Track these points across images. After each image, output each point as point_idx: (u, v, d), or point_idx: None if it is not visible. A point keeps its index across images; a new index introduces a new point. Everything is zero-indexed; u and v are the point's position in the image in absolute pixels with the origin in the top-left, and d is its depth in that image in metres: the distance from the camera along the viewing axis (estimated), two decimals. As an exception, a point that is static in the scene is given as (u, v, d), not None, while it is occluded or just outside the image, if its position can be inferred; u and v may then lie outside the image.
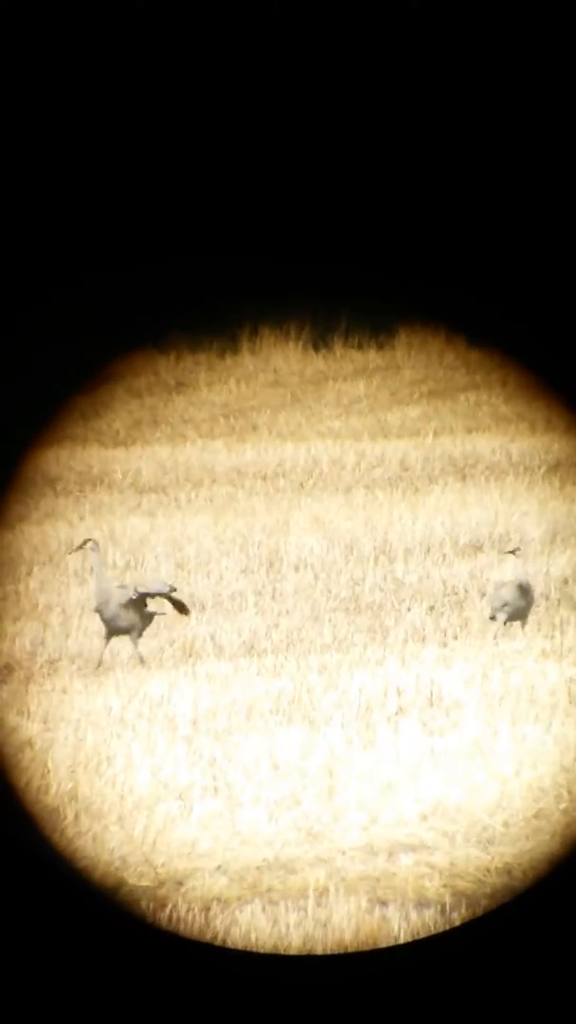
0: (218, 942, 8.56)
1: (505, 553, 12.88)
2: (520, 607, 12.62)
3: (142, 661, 12.36)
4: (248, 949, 8.49)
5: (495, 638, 12.63)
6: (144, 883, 9.05)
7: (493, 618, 12.62)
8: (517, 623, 12.74)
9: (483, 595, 13.66)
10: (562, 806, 9.51)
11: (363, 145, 12.60)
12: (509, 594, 12.57)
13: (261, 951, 8.48)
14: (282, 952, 8.51)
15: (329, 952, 8.52)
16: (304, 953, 8.48)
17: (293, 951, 8.57)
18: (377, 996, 8.28)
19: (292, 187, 12.83)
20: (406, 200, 12.76)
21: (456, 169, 12.53)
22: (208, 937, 8.66)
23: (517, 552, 12.75)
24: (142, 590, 12.37)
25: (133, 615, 12.40)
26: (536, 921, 8.44)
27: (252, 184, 12.97)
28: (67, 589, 14.30)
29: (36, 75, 12.08)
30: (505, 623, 12.66)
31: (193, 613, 13.46)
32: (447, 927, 8.66)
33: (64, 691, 11.75)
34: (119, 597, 12.30)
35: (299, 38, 11.81)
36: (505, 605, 12.54)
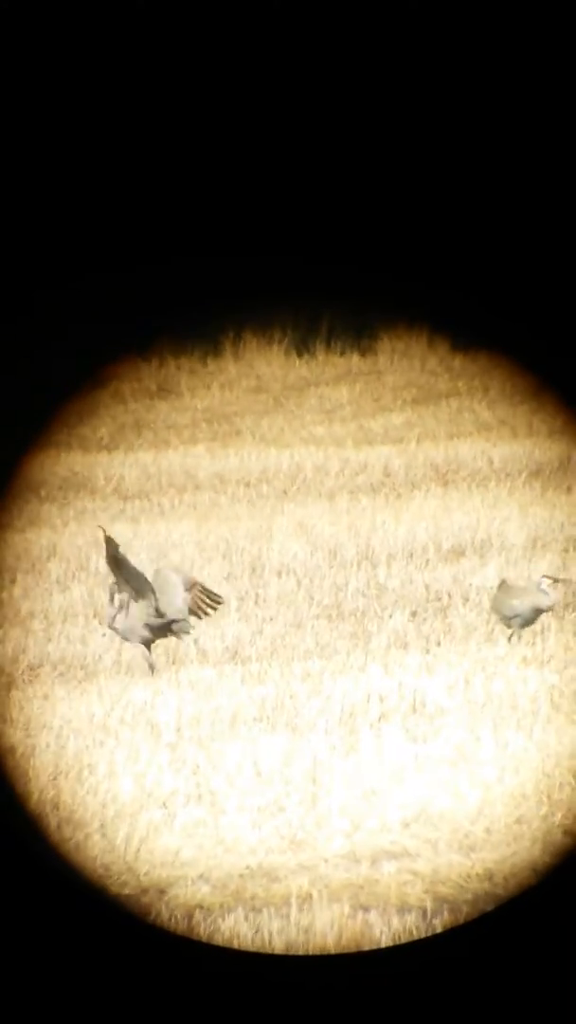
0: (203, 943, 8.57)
1: (544, 578, 12.67)
2: (532, 620, 12.57)
3: (152, 669, 12.23)
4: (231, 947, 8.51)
5: (478, 645, 12.67)
6: (126, 892, 9.06)
7: (508, 626, 12.53)
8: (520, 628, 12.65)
9: (466, 600, 13.69)
10: (543, 812, 9.55)
11: (354, 145, 12.62)
12: (525, 609, 12.46)
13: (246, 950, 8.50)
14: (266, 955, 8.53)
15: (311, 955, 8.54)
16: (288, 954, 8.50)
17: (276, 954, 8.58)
18: (360, 1000, 8.31)
19: (276, 185, 12.84)
20: (393, 199, 12.79)
21: (448, 170, 12.56)
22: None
23: (560, 583, 12.62)
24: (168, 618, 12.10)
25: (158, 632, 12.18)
26: (519, 927, 8.47)
27: (235, 184, 12.99)
28: (50, 596, 14.30)
29: (32, 74, 12.08)
30: (513, 630, 12.56)
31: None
32: (429, 932, 8.69)
33: (46, 697, 11.75)
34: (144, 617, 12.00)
35: (298, 37, 11.82)
36: (516, 617, 12.46)
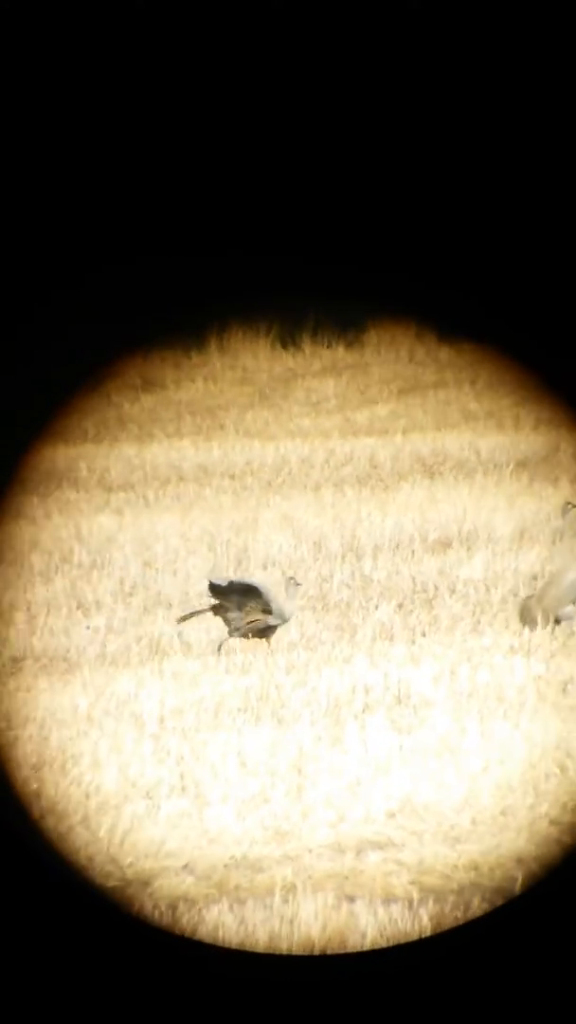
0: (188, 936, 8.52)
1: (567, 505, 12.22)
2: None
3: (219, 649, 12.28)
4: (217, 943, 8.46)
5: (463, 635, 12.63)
6: (111, 883, 9.00)
7: (558, 622, 12.27)
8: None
9: (452, 591, 13.64)
10: (528, 802, 9.51)
11: (341, 139, 12.57)
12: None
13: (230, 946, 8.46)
14: (248, 950, 8.49)
15: (295, 950, 8.49)
16: (271, 951, 8.46)
17: (260, 949, 8.54)
18: (350, 997, 8.27)
19: (263, 181, 12.79)
20: (379, 192, 12.75)
21: (435, 163, 12.52)
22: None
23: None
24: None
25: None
26: (515, 925, 8.44)
27: (221, 178, 12.93)
28: (32, 587, 14.24)
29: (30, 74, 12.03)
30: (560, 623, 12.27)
31: (160, 611, 13.43)
32: (415, 923, 8.65)
33: (28, 690, 11.69)
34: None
35: (298, 36, 11.79)
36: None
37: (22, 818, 9.29)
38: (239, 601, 12.19)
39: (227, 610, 12.24)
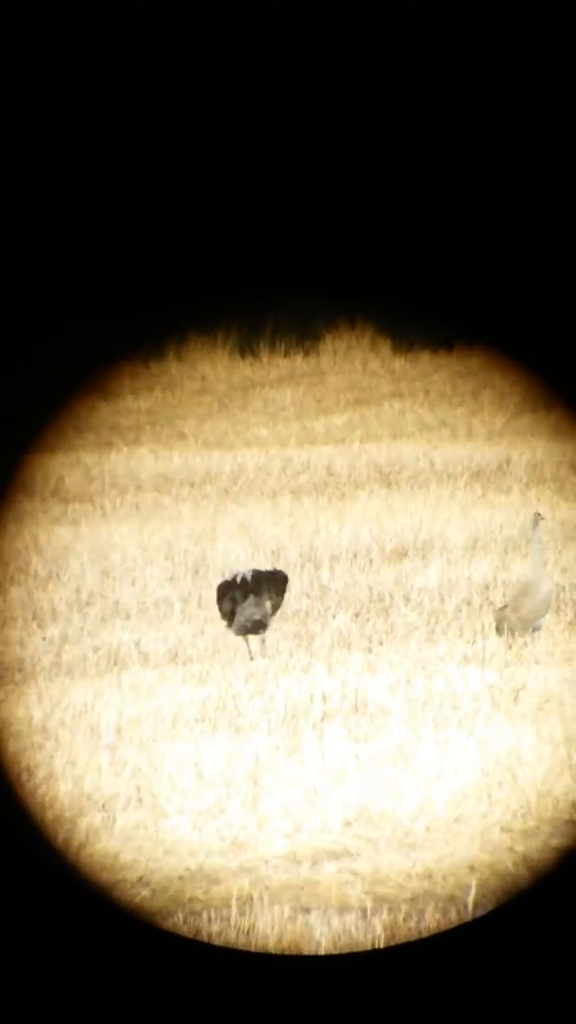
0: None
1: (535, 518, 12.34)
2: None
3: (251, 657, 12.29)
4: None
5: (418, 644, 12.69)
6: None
7: (535, 631, 12.35)
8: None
9: (407, 600, 13.71)
10: (482, 810, 9.57)
11: (340, 143, 12.57)
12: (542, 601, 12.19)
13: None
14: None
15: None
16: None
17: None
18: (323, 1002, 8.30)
19: (238, 182, 12.78)
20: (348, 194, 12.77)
21: (433, 171, 12.55)
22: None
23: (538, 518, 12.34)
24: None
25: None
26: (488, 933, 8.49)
27: (193, 183, 12.91)
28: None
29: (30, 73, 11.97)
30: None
31: (117, 621, 13.43)
32: (367, 932, 8.69)
33: (-17, 701, 11.67)
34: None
35: (298, 36, 11.77)
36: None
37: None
38: (260, 592, 12.19)
39: (237, 603, 12.21)
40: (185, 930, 8.77)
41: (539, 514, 12.46)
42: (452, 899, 8.90)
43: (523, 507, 16.24)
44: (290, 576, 14.45)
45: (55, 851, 9.21)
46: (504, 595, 13.41)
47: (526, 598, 12.30)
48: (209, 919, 8.82)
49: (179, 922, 8.82)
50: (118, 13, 11.68)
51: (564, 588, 13.74)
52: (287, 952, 8.60)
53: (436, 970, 8.29)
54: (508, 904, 8.76)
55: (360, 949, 8.50)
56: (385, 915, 8.80)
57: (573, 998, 8.23)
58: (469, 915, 8.73)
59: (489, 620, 12.93)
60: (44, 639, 13.02)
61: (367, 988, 8.27)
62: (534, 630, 12.33)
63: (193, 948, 8.49)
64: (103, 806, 9.71)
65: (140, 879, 9.11)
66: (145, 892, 9.04)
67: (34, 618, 13.61)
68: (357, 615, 13.45)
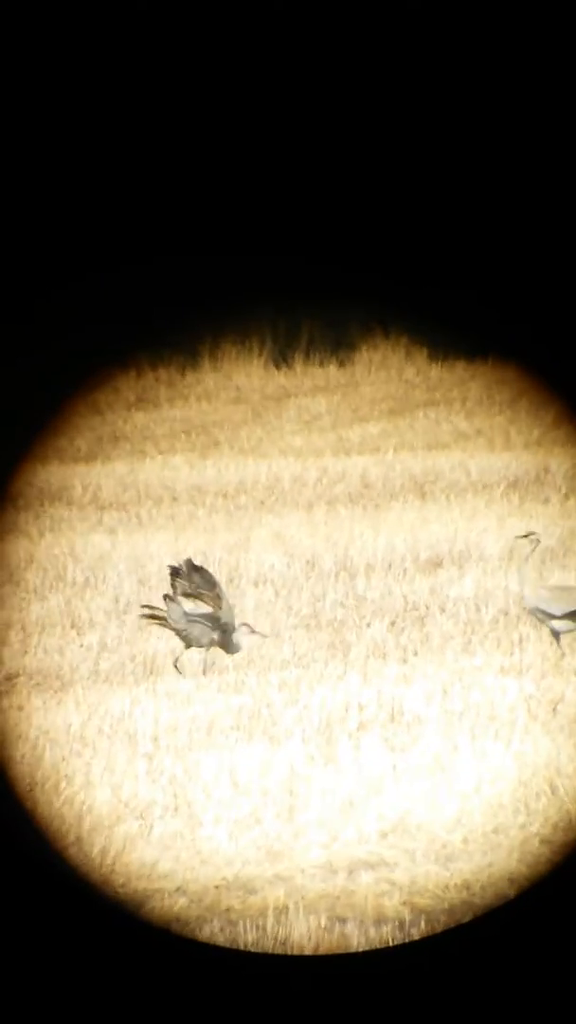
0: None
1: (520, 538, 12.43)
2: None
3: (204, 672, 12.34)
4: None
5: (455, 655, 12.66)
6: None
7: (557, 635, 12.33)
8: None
9: (443, 610, 13.69)
10: (519, 821, 9.54)
11: (341, 146, 12.58)
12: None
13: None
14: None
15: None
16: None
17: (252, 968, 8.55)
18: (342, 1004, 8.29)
19: (255, 187, 12.79)
20: (373, 203, 12.76)
21: (437, 175, 12.55)
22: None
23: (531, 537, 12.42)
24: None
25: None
26: (497, 937, 8.46)
27: (210, 189, 12.93)
28: (27, 606, 14.26)
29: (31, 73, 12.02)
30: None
31: (154, 629, 13.45)
32: (405, 942, 8.67)
33: (21, 708, 11.70)
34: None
35: (300, 37, 11.78)
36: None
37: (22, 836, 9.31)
38: (193, 587, 12.24)
39: (174, 601, 12.27)
40: (221, 939, 8.77)
41: (525, 534, 12.50)
42: (490, 911, 8.87)
43: (561, 518, 16.20)
44: (325, 586, 14.45)
45: (87, 860, 9.22)
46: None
47: (559, 591, 12.30)
48: (245, 928, 8.82)
49: (215, 931, 8.82)
50: (121, 14, 11.71)
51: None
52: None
53: (460, 972, 8.27)
54: (544, 913, 8.72)
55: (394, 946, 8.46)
56: (423, 926, 8.77)
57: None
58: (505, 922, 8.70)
59: (527, 631, 12.90)
60: (82, 647, 13.05)
61: (398, 990, 8.25)
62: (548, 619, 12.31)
63: (229, 956, 8.49)
64: (140, 815, 9.72)
65: (178, 888, 9.11)
66: (182, 901, 9.04)
67: (72, 626, 13.65)
68: (393, 624, 13.43)
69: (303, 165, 12.86)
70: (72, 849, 9.40)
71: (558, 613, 12.27)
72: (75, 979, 8.40)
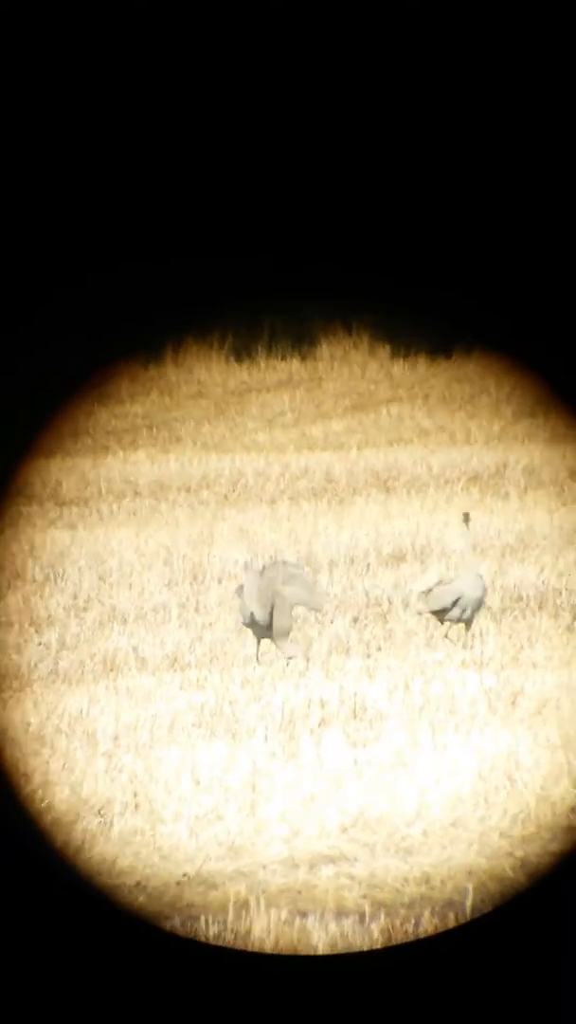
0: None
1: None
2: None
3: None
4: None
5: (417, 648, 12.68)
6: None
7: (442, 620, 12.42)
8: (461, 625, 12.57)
9: (406, 605, 13.70)
10: (479, 814, 9.55)
11: (340, 145, 12.55)
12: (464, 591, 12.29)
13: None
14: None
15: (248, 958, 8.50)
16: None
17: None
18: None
19: (229, 185, 12.76)
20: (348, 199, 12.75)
21: (432, 174, 12.55)
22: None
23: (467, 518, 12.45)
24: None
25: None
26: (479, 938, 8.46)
27: (182, 185, 12.89)
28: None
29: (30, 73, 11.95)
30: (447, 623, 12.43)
31: (114, 626, 13.41)
32: (364, 937, 8.67)
33: (-21, 708, 11.65)
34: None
35: (299, 37, 11.74)
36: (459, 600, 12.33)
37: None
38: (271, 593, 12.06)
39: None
40: (182, 933, 8.74)
41: (467, 513, 12.55)
42: (450, 903, 8.89)
43: (520, 512, 16.24)
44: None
45: (54, 853, 9.19)
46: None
47: (440, 586, 12.35)
48: (206, 923, 8.80)
49: (176, 926, 8.80)
50: (119, 14, 11.67)
51: (561, 592, 13.73)
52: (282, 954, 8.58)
53: (432, 973, 8.27)
54: (506, 908, 8.74)
55: (357, 950, 8.48)
56: (383, 919, 8.77)
57: (569, 1002, 8.21)
58: (467, 919, 8.71)
59: (487, 624, 12.92)
60: (40, 644, 13.00)
61: (363, 989, 8.25)
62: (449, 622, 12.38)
63: (191, 948, 8.47)
64: (99, 811, 9.68)
65: (137, 884, 9.09)
66: (142, 897, 9.02)
67: (31, 623, 13.59)
68: (355, 620, 13.43)
69: (264, 163, 12.85)
70: (34, 846, 9.37)
71: (436, 608, 12.40)
72: (39, 972, 8.37)
